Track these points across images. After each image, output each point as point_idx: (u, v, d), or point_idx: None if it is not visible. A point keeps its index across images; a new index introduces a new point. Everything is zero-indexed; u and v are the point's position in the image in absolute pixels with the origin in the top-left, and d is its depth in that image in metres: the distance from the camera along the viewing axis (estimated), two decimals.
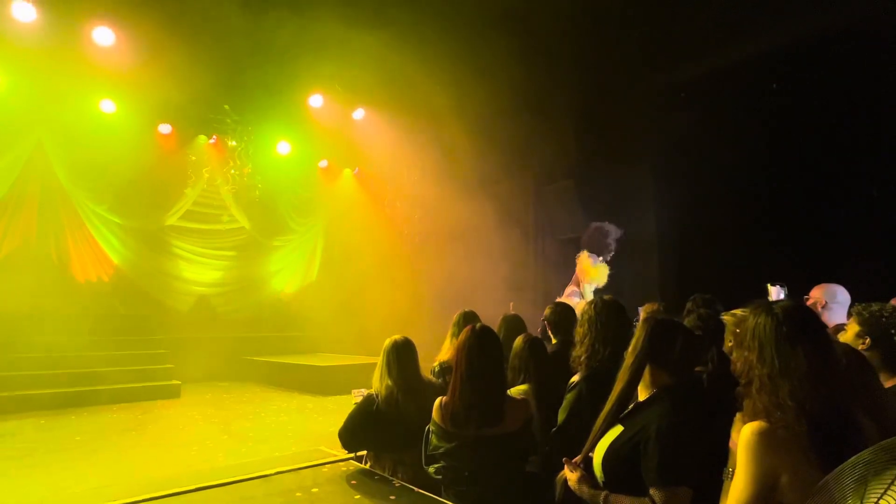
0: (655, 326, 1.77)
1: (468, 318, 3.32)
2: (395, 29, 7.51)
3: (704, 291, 3.16)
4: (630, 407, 1.79)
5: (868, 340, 2.05)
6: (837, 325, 2.80)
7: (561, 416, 2.40)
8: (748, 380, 1.48)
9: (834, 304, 3.02)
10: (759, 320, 1.49)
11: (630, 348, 1.78)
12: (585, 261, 6.79)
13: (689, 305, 2.91)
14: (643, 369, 1.75)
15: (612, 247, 7.21)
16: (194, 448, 5.43)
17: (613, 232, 7.27)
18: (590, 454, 1.80)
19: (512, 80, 7.99)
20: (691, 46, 6.80)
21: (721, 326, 2.20)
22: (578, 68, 7.56)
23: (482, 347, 2.22)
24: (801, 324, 1.44)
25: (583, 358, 2.40)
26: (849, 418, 1.38)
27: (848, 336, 2.12)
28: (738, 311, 2.44)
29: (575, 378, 2.44)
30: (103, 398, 7.70)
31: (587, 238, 7.43)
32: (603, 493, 1.69)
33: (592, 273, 6.71)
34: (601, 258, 6.97)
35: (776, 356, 1.41)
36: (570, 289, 6.83)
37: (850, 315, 2.25)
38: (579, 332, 2.48)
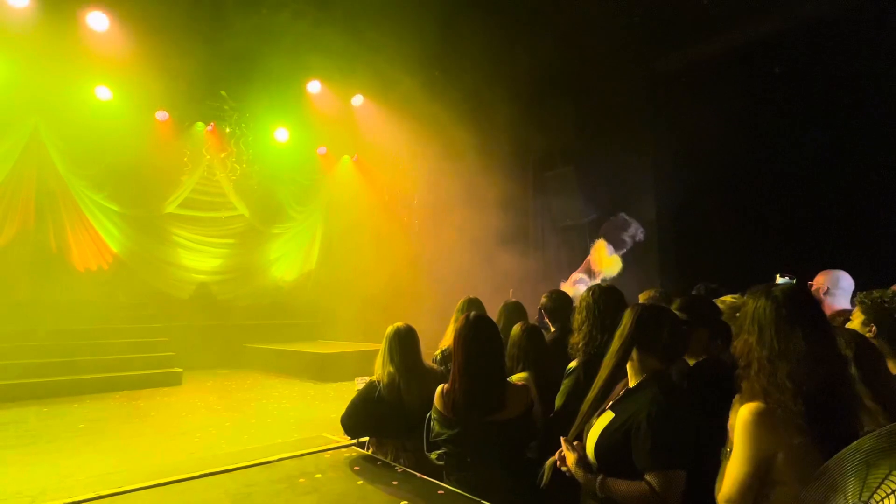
0: (642, 312, 1.77)
1: (472, 304, 3.32)
2: (394, 15, 7.41)
3: (703, 278, 3.17)
4: (620, 393, 1.79)
5: (874, 328, 2.06)
6: (840, 311, 2.80)
7: (558, 402, 2.41)
8: (747, 362, 1.50)
9: (837, 290, 3.02)
10: (758, 303, 1.51)
11: (617, 334, 1.79)
12: (602, 249, 6.70)
13: (694, 294, 2.91)
14: (629, 355, 1.76)
15: (629, 243, 7.14)
16: (197, 435, 5.46)
17: (634, 228, 7.18)
18: (577, 440, 1.82)
19: (512, 65, 7.91)
20: (693, 31, 6.72)
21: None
22: (578, 53, 7.48)
23: (477, 337, 2.23)
24: (800, 307, 1.46)
25: (580, 344, 2.40)
26: (845, 399, 1.40)
27: (854, 325, 2.13)
28: (728, 298, 2.45)
29: (572, 364, 2.45)
30: (105, 386, 7.75)
31: (607, 226, 7.33)
32: (599, 477, 1.69)
33: (606, 263, 6.63)
34: (614, 251, 6.93)
35: (775, 338, 1.43)
36: (578, 275, 6.79)
37: (853, 303, 2.25)
38: (577, 318, 2.48)
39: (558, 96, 8.37)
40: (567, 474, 1.80)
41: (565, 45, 7.42)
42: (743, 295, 1.99)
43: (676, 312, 1.94)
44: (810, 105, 5.76)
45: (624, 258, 7.23)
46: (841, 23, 5.56)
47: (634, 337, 1.75)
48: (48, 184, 9.28)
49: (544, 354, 2.69)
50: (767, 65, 6.19)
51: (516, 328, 2.76)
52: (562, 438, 1.84)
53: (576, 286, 6.24)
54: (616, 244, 7.07)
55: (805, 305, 1.48)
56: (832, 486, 1.17)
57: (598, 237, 7.16)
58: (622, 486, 1.64)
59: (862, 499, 1.11)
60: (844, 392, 1.41)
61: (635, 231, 7.19)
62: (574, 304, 3.00)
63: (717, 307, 2.26)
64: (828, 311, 2.92)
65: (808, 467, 1.30)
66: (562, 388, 2.43)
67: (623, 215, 7.39)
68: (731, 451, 1.56)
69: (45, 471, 4.32)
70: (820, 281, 3.10)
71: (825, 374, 1.38)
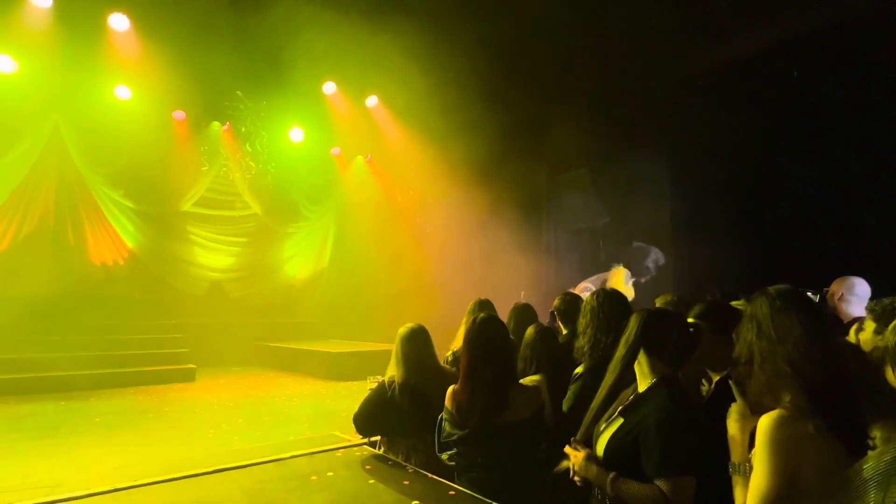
0: (648, 317, 1.77)
1: (483, 306, 3.33)
2: (409, 15, 7.44)
3: (718, 283, 3.14)
4: (630, 398, 1.79)
5: None
6: (854, 318, 2.76)
7: (565, 406, 2.41)
8: (748, 357, 1.50)
9: (851, 296, 2.98)
10: (754, 304, 1.55)
11: (622, 339, 1.79)
12: (620, 277, 6.72)
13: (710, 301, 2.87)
14: (634, 360, 1.76)
15: (652, 270, 7.16)
16: (210, 431, 5.52)
17: (654, 253, 7.21)
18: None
19: (527, 67, 7.90)
20: (710, 34, 6.66)
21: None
22: (594, 56, 7.45)
23: (486, 338, 2.23)
24: (794, 297, 1.50)
25: (586, 348, 2.39)
26: (848, 380, 1.40)
27: (866, 335, 2.08)
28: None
29: (579, 369, 2.44)
30: (121, 381, 7.87)
31: (630, 255, 7.37)
32: (611, 474, 1.68)
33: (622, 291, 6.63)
34: (634, 279, 6.92)
35: (773, 327, 1.46)
36: (585, 284, 6.79)
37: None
38: (582, 322, 2.48)
39: (574, 98, 8.34)
40: (580, 484, 1.79)
41: (582, 47, 7.40)
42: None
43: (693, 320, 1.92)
44: (829, 109, 5.68)
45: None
46: (860, 25, 5.48)
47: (641, 342, 1.74)
48: (68, 180, 9.45)
49: (557, 356, 2.68)
50: (786, 69, 6.11)
51: (530, 330, 2.76)
52: (571, 440, 1.85)
53: (583, 294, 6.21)
54: (640, 272, 7.08)
55: (798, 297, 1.51)
56: (851, 497, 1.16)
57: (619, 264, 7.15)
58: (634, 486, 1.63)
59: None
60: (845, 372, 1.41)
61: (656, 256, 7.21)
62: None
63: (738, 313, 2.21)
64: (843, 318, 2.89)
65: (835, 472, 1.28)
66: (568, 393, 2.42)
67: (638, 244, 7.41)
68: (736, 464, 1.54)
69: (62, 463, 4.41)
70: (835, 288, 3.06)
71: (823, 355, 1.39)
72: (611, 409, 1.82)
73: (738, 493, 1.54)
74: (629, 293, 6.68)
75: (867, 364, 1.75)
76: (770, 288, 1.55)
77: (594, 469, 1.73)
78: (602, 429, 1.81)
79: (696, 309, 2.14)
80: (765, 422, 1.40)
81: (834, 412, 1.34)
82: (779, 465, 1.35)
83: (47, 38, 7.90)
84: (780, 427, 1.37)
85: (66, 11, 7.82)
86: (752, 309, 1.55)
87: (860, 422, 1.38)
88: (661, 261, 7.24)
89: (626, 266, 7.01)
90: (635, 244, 7.44)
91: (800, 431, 1.35)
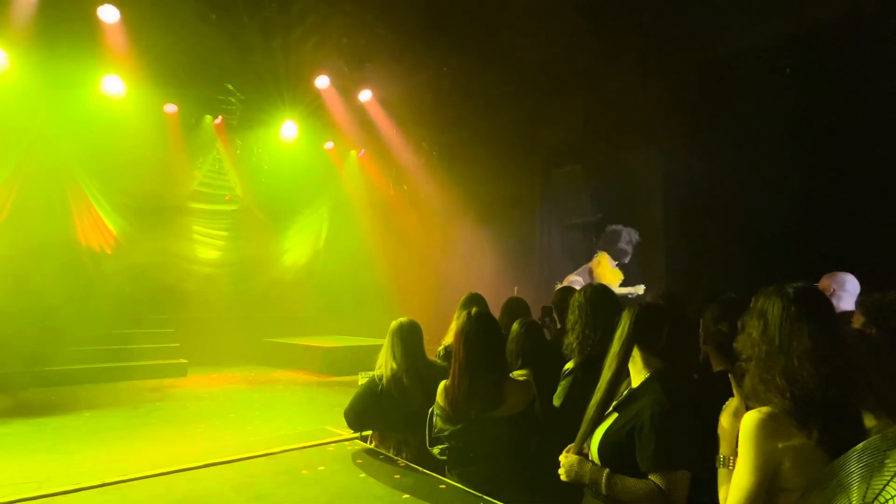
0: (640, 312, 1.77)
1: (473, 300, 3.31)
2: (403, 10, 7.40)
3: (710, 279, 3.15)
4: (624, 393, 1.79)
5: (874, 330, 2.04)
6: (844, 313, 2.79)
7: (557, 402, 2.41)
8: (748, 356, 1.47)
9: (842, 292, 3.01)
10: (769, 300, 1.47)
11: (616, 336, 1.78)
12: (606, 263, 6.79)
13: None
14: (629, 356, 1.76)
15: (629, 251, 7.22)
16: (201, 426, 5.51)
17: (627, 234, 7.28)
18: (583, 447, 1.81)
19: (521, 61, 7.89)
20: (703, 29, 6.67)
21: None
22: (589, 50, 7.44)
23: (478, 334, 2.23)
24: (812, 305, 1.42)
25: (574, 344, 2.38)
26: (849, 399, 1.37)
27: (855, 327, 2.12)
28: None
29: (569, 365, 2.44)
30: (111, 376, 7.83)
31: (605, 240, 7.43)
32: (606, 471, 1.68)
33: (610, 277, 6.72)
34: (617, 262, 7.00)
35: (778, 334, 1.41)
36: (573, 277, 6.85)
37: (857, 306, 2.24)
38: (570, 319, 2.46)
39: (569, 94, 8.33)
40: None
41: (577, 42, 7.38)
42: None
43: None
44: (823, 105, 5.70)
45: (631, 261, 7.27)
46: (854, 23, 5.50)
47: (634, 337, 1.74)
48: (57, 173, 9.31)
49: (543, 351, 2.68)
50: (779, 64, 6.13)
51: (515, 324, 2.76)
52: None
53: (572, 286, 6.29)
54: (618, 255, 7.15)
55: (817, 304, 1.44)
56: (835, 489, 1.16)
57: (599, 250, 7.23)
58: (630, 482, 1.64)
59: (865, 501, 1.10)
60: (848, 392, 1.37)
61: (629, 236, 7.27)
62: None
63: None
64: None
65: (814, 472, 1.28)
66: (559, 388, 2.42)
67: (612, 227, 7.48)
68: (724, 458, 1.54)
69: (51, 458, 4.38)
70: (825, 283, 3.09)
71: (830, 372, 1.35)
72: None
73: (721, 485, 1.54)
74: (617, 276, 6.76)
75: (876, 351, 1.74)
76: (789, 287, 1.46)
77: (587, 468, 1.73)
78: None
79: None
80: (748, 419, 1.39)
81: (822, 427, 1.32)
82: (759, 462, 1.35)
83: (35, 30, 7.77)
84: (763, 425, 1.36)
85: (54, 2, 7.70)
86: (763, 304, 1.48)
87: (851, 438, 1.37)
88: (636, 238, 7.30)
89: (604, 251, 7.10)
90: (608, 228, 7.52)
91: (783, 431, 1.35)
